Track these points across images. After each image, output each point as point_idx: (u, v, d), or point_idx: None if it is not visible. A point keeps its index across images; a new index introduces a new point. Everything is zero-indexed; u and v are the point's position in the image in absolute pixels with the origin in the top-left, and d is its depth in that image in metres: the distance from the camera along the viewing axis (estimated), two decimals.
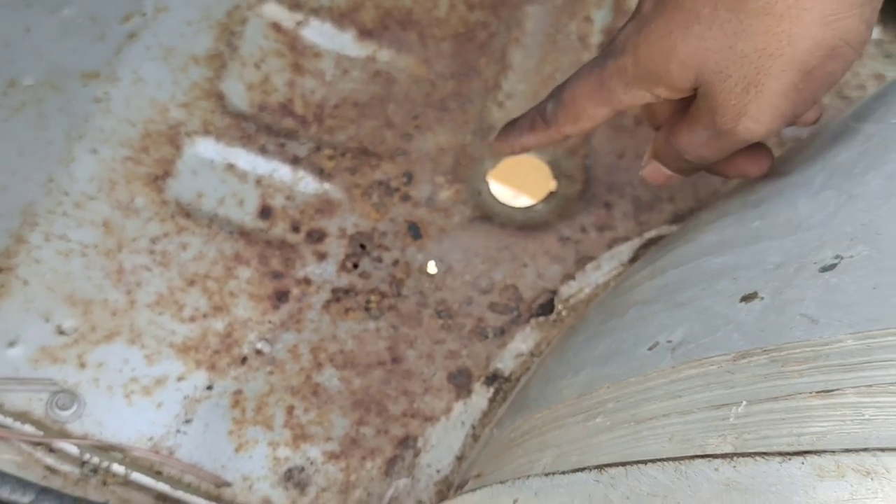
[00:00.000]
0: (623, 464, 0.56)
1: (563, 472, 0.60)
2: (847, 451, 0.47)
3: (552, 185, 1.08)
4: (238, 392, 0.94)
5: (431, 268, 1.03)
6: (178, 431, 0.92)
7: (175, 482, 0.89)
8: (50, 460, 0.88)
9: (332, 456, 0.91)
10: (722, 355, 0.60)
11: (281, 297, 1.00)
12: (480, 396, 0.94)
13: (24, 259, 0.97)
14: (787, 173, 0.77)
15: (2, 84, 1.08)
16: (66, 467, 0.88)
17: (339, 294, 1.00)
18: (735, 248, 0.71)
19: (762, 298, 0.62)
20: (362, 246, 1.04)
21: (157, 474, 0.89)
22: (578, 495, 0.58)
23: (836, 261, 0.60)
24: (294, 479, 0.90)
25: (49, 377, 0.92)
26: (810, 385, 0.52)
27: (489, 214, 1.06)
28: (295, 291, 1.00)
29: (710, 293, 0.68)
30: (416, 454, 0.90)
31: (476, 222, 1.05)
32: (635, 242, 1.02)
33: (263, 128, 1.09)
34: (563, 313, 0.98)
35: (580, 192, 1.07)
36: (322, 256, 1.03)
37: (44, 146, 1.03)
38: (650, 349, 0.67)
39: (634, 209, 1.05)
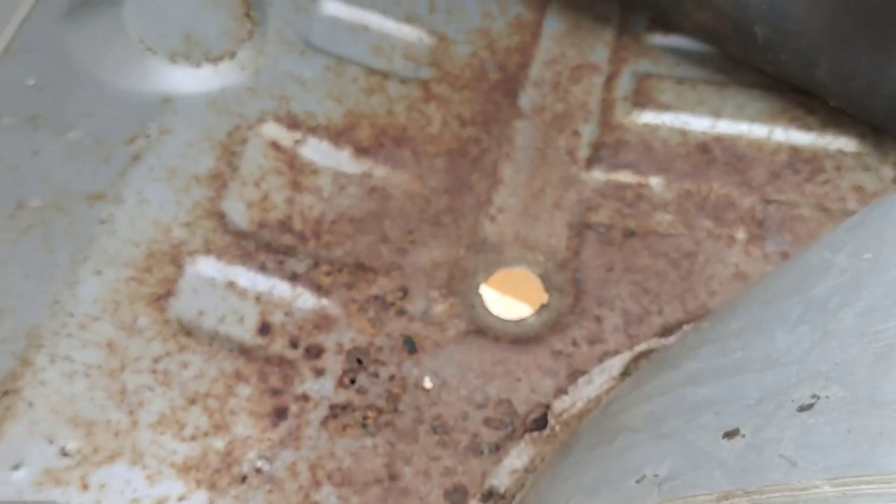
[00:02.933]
0: None
1: None
2: None
3: (544, 297, 1.11)
4: None
5: (427, 383, 1.05)
6: None
7: None
8: None
9: None
10: (706, 494, 0.62)
11: (280, 413, 1.02)
12: None
13: (29, 381, 0.99)
14: (766, 302, 0.80)
15: (9, 206, 1.11)
16: None
17: (336, 410, 1.03)
18: (717, 379, 0.74)
19: (743, 436, 0.65)
20: (359, 361, 1.06)
21: None
22: None
23: (812, 400, 0.63)
24: None
25: (52, 500, 0.93)
26: None
27: (483, 328, 1.09)
28: (293, 408, 1.02)
29: (694, 426, 0.70)
30: None
31: (470, 336, 1.08)
32: (626, 356, 1.04)
33: (263, 245, 1.12)
34: (557, 428, 1.00)
35: (571, 306, 1.10)
36: (320, 372, 1.05)
37: (49, 269, 1.07)
38: (637, 482, 0.70)
39: (624, 322, 1.08)
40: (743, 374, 0.72)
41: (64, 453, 0.97)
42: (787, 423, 0.63)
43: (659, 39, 1.32)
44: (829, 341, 0.68)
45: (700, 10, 1.16)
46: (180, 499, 0.96)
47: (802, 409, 0.63)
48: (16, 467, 0.95)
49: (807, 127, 1.20)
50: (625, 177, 1.20)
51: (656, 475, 0.69)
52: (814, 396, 0.64)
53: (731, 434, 0.67)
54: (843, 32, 1.07)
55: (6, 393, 0.99)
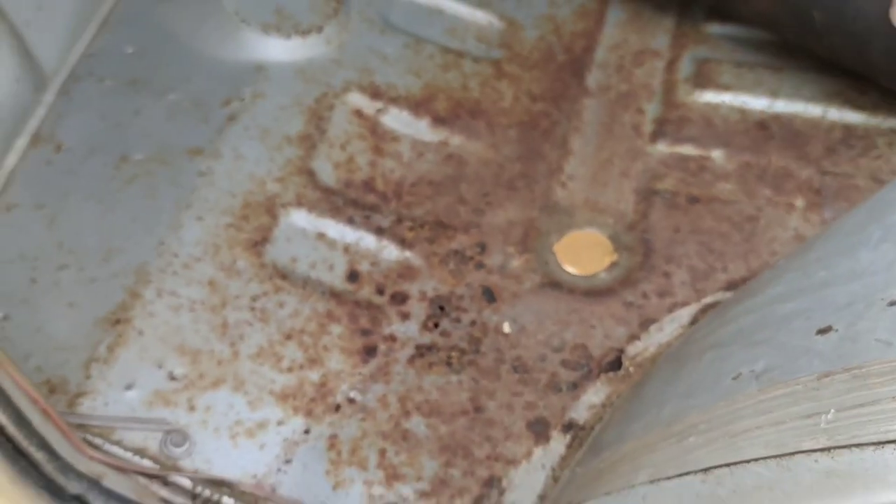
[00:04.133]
0: (727, 465, 0.64)
1: (669, 478, 0.68)
2: None
3: (614, 256, 1.18)
4: (333, 436, 1.02)
5: (506, 328, 1.12)
6: (279, 470, 0.99)
7: None
8: (164, 493, 0.95)
9: (423, 494, 0.98)
10: (806, 376, 0.69)
11: (370, 351, 1.09)
12: (558, 442, 1.02)
13: (139, 312, 1.06)
14: (845, 233, 0.87)
15: (114, 159, 1.19)
16: (179, 499, 0.95)
17: (422, 350, 1.09)
18: (804, 294, 0.81)
19: (837, 331, 0.71)
20: (441, 308, 1.13)
21: None
22: (686, 496, 0.66)
23: None
24: None
25: (163, 418, 1.00)
26: (890, 390, 0.61)
27: (557, 281, 1.16)
28: (382, 347, 1.09)
29: (786, 331, 0.77)
30: (501, 493, 0.98)
31: (546, 288, 1.15)
32: (694, 307, 1.11)
33: (349, 201, 1.20)
34: (631, 370, 1.07)
35: (640, 263, 1.17)
36: (405, 316, 1.12)
37: (154, 214, 1.14)
38: (734, 379, 0.76)
39: (691, 278, 1.14)
40: (829, 287, 0.79)
41: (172, 377, 1.03)
42: (878, 315, 0.70)
43: (717, 28, 1.40)
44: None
45: None
46: (279, 423, 1.02)
47: (893, 304, 0.70)
48: (128, 387, 1.02)
49: (860, 107, 1.28)
50: (687, 150, 1.27)
51: (752, 370, 0.75)
52: None
53: (824, 331, 0.73)
54: None
55: (118, 321, 1.06)
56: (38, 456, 0.83)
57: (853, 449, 0.58)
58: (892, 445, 0.56)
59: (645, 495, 0.69)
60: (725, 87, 1.32)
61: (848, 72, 1.29)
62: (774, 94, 1.31)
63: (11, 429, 0.79)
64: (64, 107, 1.24)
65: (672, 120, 1.30)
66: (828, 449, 0.59)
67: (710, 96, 1.32)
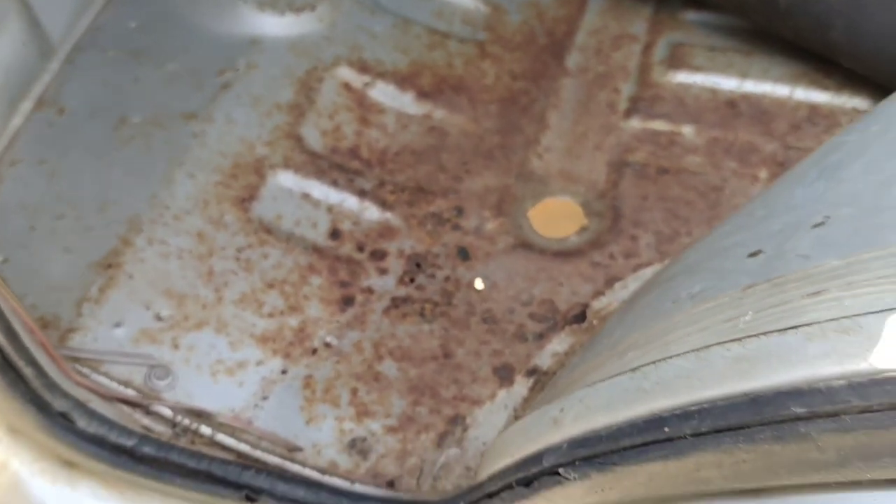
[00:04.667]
0: (653, 362, 0.70)
1: (602, 380, 0.73)
2: (829, 320, 0.61)
3: (584, 221, 1.24)
4: (309, 376, 1.08)
5: (478, 284, 1.17)
6: (255, 406, 1.05)
7: (254, 446, 1.01)
8: (146, 421, 1.01)
9: (391, 429, 1.04)
10: (733, 290, 0.74)
11: (347, 301, 1.14)
12: (521, 386, 1.07)
13: (130, 258, 1.13)
14: (786, 180, 0.92)
15: (113, 121, 1.26)
16: (160, 427, 1.01)
17: (397, 302, 1.15)
18: (744, 229, 0.86)
19: (765, 252, 0.77)
20: (418, 265, 1.19)
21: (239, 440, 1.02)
22: (616, 391, 0.71)
23: (824, 220, 0.75)
24: (357, 447, 1.02)
25: (149, 354, 1.06)
26: (802, 291, 0.67)
27: (529, 243, 1.22)
28: (359, 298, 1.15)
29: (722, 258, 0.83)
30: (465, 429, 1.03)
31: (518, 249, 1.21)
32: (657, 267, 1.16)
33: (335, 166, 1.26)
34: (594, 322, 1.12)
35: (609, 227, 1.22)
36: (383, 271, 1.18)
37: (148, 170, 1.21)
38: (674, 302, 0.82)
39: (657, 241, 1.20)
40: (766, 220, 0.85)
41: (158, 318, 1.09)
42: (803, 236, 0.76)
43: (692, 15, 1.47)
44: (839, 185, 0.81)
45: None
46: (258, 363, 1.08)
47: (816, 226, 0.76)
48: (117, 325, 1.08)
49: (825, 87, 1.34)
50: (659, 125, 1.33)
51: (689, 293, 0.81)
52: (826, 217, 0.76)
53: (754, 254, 0.79)
54: None
55: (110, 266, 1.12)
56: (27, 371, 0.89)
57: (761, 337, 0.63)
58: (793, 330, 0.62)
59: (582, 397, 0.74)
60: (698, 69, 1.38)
61: (814, 55, 1.35)
62: (744, 75, 1.37)
63: (2, 339, 0.85)
64: (68, 74, 1.31)
65: (646, 98, 1.36)
66: (739, 339, 0.65)
67: (682, 77, 1.38)
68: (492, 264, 1.19)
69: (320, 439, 1.03)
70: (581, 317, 1.13)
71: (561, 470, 0.70)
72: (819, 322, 0.62)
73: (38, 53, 1.30)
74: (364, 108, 1.34)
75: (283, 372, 1.08)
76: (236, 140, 1.26)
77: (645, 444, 0.65)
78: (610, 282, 1.16)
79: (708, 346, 0.67)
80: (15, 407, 0.89)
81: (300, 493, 0.92)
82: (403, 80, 1.37)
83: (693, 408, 0.64)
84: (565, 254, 1.20)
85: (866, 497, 0.57)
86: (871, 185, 0.78)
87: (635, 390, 0.70)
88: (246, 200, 1.21)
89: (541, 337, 1.12)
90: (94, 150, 1.23)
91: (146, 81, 1.31)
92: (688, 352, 0.68)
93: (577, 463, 0.69)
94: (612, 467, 0.66)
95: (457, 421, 1.05)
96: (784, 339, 0.62)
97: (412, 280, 1.17)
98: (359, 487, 0.97)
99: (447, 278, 1.18)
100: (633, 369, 0.72)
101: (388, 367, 1.09)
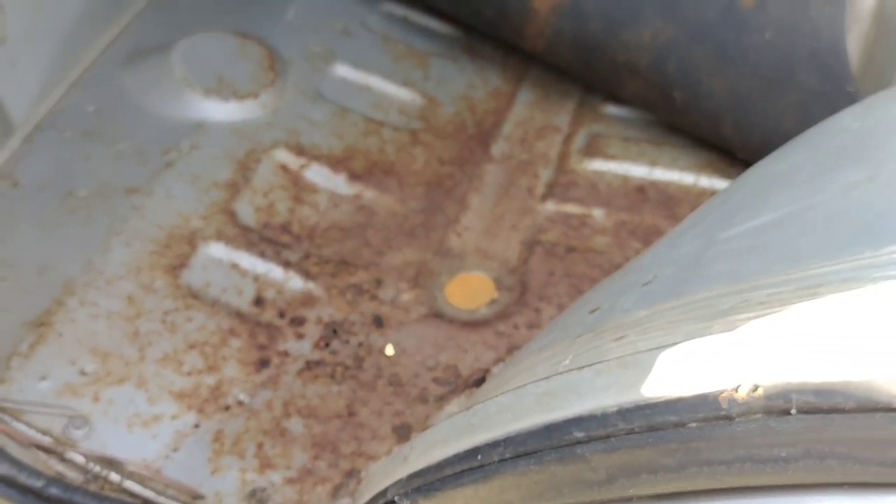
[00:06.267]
0: (483, 401, 0.77)
1: (444, 420, 0.81)
2: (616, 358, 0.69)
3: (495, 294, 1.32)
4: (220, 431, 1.15)
5: (389, 350, 1.25)
6: (166, 457, 1.12)
7: (159, 492, 1.08)
8: (60, 468, 1.08)
9: (290, 480, 1.10)
10: (567, 340, 0.82)
11: (263, 363, 1.22)
12: None
13: (61, 318, 1.21)
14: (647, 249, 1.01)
15: (61, 194, 1.36)
16: (73, 474, 1.08)
17: (311, 364, 1.23)
18: (597, 290, 0.95)
19: (601, 309, 0.85)
20: (334, 331, 1.27)
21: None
22: (452, 428, 0.78)
23: (653, 279, 0.84)
24: (257, 496, 1.09)
25: (69, 406, 1.13)
26: (611, 337, 0.75)
27: (441, 313, 1.30)
28: (275, 360, 1.23)
29: (572, 315, 0.91)
30: (359, 482, 1.09)
31: (430, 318, 1.29)
32: None
33: (265, 239, 1.35)
34: None
35: (516, 300, 1.31)
36: (300, 336, 1.26)
37: (88, 238, 1.30)
38: (525, 356, 0.89)
39: (558, 313, 1.28)
40: (615, 282, 0.94)
41: (82, 373, 1.17)
42: (633, 293, 0.84)
43: (612, 109, 1.58)
44: (673, 250, 0.90)
45: (632, 79, 1.42)
46: (173, 417, 1.15)
47: (645, 284, 0.84)
48: (42, 378, 1.16)
49: (728, 175, 1.44)
50: (572, 208, 1.42)
51: (539, 346, 0.89)
52: (654, 276, 0.85)
53: (594, 310, 0.87)
54: (742, 95, 1.32)
55: (42, 325, 1.20)
56: None
57: (563, 374, 0.71)
58: (588, 368, 0.69)
59: (427, 435, 0.81)
60: (612, 157, 1.49)
61: (718, 147, 1.45)
62: (654, 163, 1.47)
63: None
64: (25, 151, 1.42)
65: (562, 183, 1.46)
66: (548, 377, 0.72)
67: (597, 164, 1.48)
68: (404, 332, 1.27)
69: (223, 488, 1.10)
70: (481, 381, 1.20)
71: (396, 498, 0.76)
72: (608, 360, 0.70)
73: (0, 132, 1.41)
74: (298, 188, 1.44)
75: (196, 426, 1.15)
76: (173, 213, 1.35)
77: (462, 472, 0.72)
78: (511, 349, 1.24)
79: (524, 385, 0.75)
80: None
81: None
82: (337, 163, 1.47)
83: (502, 438, 0.71)
84: (473, 324, 1.28)
85: None
86: (696, 249, 0.86)
87: (466, 426, 0.77)
88: (177, 268, 1.30)
89: (441, 399, 1.19)
90: (39, 220, 1.32)
91: (96, 159, 1.41)
92: (510, 390, 0.76)
93: (409, 492, 0.76)
94: (435, 493, 0.73)
95: (352, 474, 1.11)
96: (581, 375, 0.70)
97: (327, 345, 1.25)
98: None
99: (360, 344, 1.26)
100: (468, 408, 0.79)
101: (295, 424, 1.16)
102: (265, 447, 1.14)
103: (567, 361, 0.78)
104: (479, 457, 0.71)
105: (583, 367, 0.72)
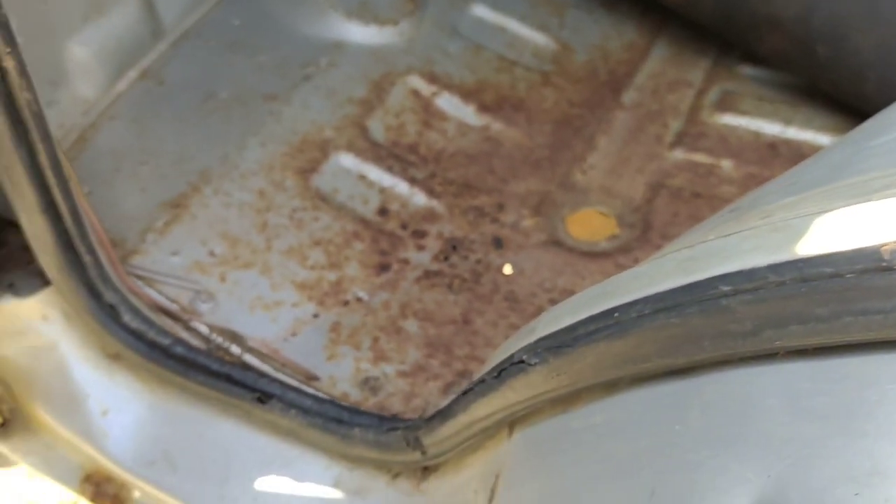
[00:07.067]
0: (619, 275, 0.77)
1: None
2: (765, 224, 0.68)
3: (616, 230, 1.32)
4: (337, 323, 1.17)
5: (507, 269, 1.26)
6: (284, 340, 1.14)
7: (276, 370, 1.11)
8: (184, 335, 1.11)
9: (403, 374, 1.12)
10: (702, 231, 0.81)
11: (384, 268, 1.24)
12: None
13: (196, 202, 1.25)
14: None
15: (203, 95, 1.41)
16: (195, 342, 1.11)
17: (429, 274, 1.24)
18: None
19: (741, 208, 0.84)
20: (454, 247, 1.28)
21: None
22: (583, 299, 0.79)
23: (797, 180, 0.82)
24: (369, 384, 1.10)
25: (197, 281, 1.17)
26: (757, 216, 0.74)
27: (561, 242, 1.30)
28: (395, 266, 1.25)
29: (708, 225, 0.90)
30: None
31: (549, 245, 1.29)
32: None
33: (393, 156, 1.38)
34: None
35: (638, 237, 1.30)
36: (421, 248, 1.27)
37: (226, 136, 1.34)
38: (663, 256, 0.89)
39: None
40: (753, 193, 0.92)
41: (212, 254, 1.21)
42: (776, 191, 0.83)
43: (748, 70, 1.56)
44: (816, 161, 0.88)
45: (773, 33, 1.40)
46: (293, 305, 1.18)
47: (791, 184, 0.83)
48: (174, 254, 1.20)
49: None
50: (701, 157, 1.41)
51: (667, 251, 0.88)
52: (800, 178, 0.83)
53: (733, 210, 0.86)
54: (891, 52, 1.28)
55: (177, 206, 1.25)
56: (87, 259, 1.01)
57: (706, 242, 0.71)
58: (736, 234, 0.69)
59: (556, 309, 0.82)
60: (744, 113, 1.47)
61: (855, 112, 1.41)
62: (788, 122, 1.44)
63: (69, 223, 0.97)
64: (172, 54, 1.47)
65: (691, 134, 1.45)
66: (692, 245, 0.72)
67: (729, 119, 1.46)
68: (522, 254, 1.28)
69: (337, 373, 1.12)
70: None
71: (525, 357, 0.77)
72: (756, 227, 0.69)
73: (150, 33, 1.47)
74: (428, 114, 1.46)
75: (315, 316, 1.18)
76: (308, 122, 1.39)
77: (596, 330, 0.72)
78: None
79: (665, 254, 0.75)
80: (70, 288, 1.01)
81: (307, 402, 1.00)
82: (468, 94, 1.49)
83: (641, 297, 0.71)
84: (593, 254, 1.28)
85: (776, 369, 0.63)
86: (844, 155, 0.85)
87: (599, 295, 0.77)
88: (307, 172, 1.33)
89: None
90: (181, 116, 1.37)
91: (238, 67, 1.46)
92: (650, 260, 0.76)
93: (538, 351, 0.76)
94: (566, 349, 0.74)
95: (465, 375, 1.12)
96: (726, 241, 0.70)
97: (446, 258, 1.27)
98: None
99: (479, 261, 1.27)
100: (602, 283, 0.79)
101: (410, 325, 1.18)
102: (380, 341, 1.15)
103: (711, 237, 0.78)
104: (616, 314, 0.71)
105: (729, 234, 0.71)
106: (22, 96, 0.84)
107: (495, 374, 0.80)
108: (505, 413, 0.81)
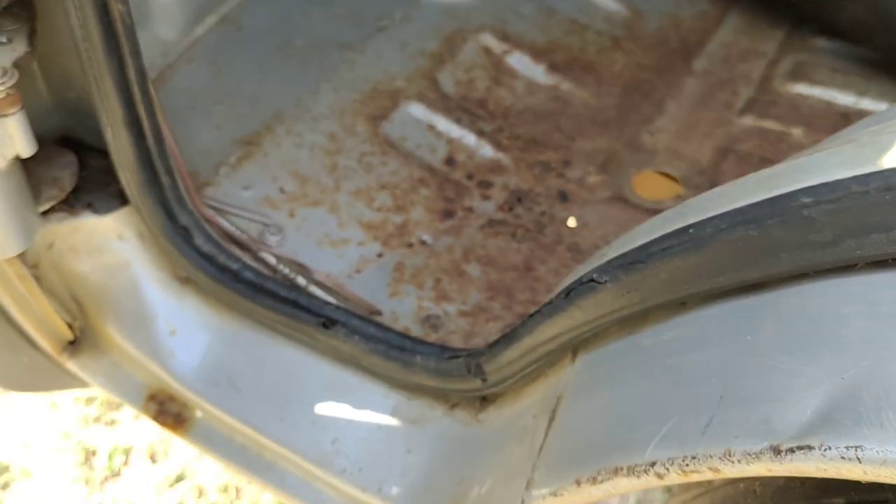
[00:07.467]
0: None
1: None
2: (850, 142, 0.68)
3: (681, 191, 1.32)
4: (401, 263, 1.19)
5: (571, 222, 1.26)
6: (349, 276, 1.16)
7: (340, 302, 1.12)
8: (253, 264, 1.13)
9: (464, 313, 1.13)
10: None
11: (449, 214, 1.25)
12: None
13: (268, 140, 1.28)
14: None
15: (279, 41, 1.43)
16: (263, 270, 1.13)
17: (493, 223, 1.25)
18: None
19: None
20: (519, 199, 1.29)
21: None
22: (658, 221, 0.79)
23: (876, 126, 0.82)
24: (430, 321, 1.12)
25: (267, 215, 1.19)
26: (836, 143, 0.74)
27: (626, 199, 1.30)
28: (460, 213, 1.26)
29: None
30: None
31: (614, 202, 1.29)
32: None
33: (462, 108, 1.39)
34: None
35: None
36: (486, 198, 1.28)
37: (300, 80, 1.37)
38: None
39: None
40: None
41: (282, 191, 1.23)
42: (852, 133, 0.82)
43: (822, 42, 1.54)
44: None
45: (852, 2, 1.38)
46: (359, 243, 1.20)
47: (867, 128, 0.82)
48: (245, 188, 1.22)
49: None
50: (771, 125, 1.40)
51: None
52: (877, 125, 0.83)
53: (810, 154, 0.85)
54: None
55: (250, 143, 1.27)
56: (164, 179, 1.03)
57: (787, 161, 0.71)
58: (818, 153, 0.69)
59: (628, 233, 0.82)
60: (817, 83, 1.45)
61: None
62: (862, 93, 1.43)
63: (150, 141, 1.00)
64: (250, 3, 1.50)
65: (762, 101, 1.44)
66: (771, 167, 0.72)
67: (801, 88, 1.45)
68: (587, 209, 1.28)
69: (399, 310, 1.13)
70: None
71: (595, 276, 0.77)
72: (840, 146, 0.69)
73: None
74: (498, 71, 1.47)
75: (380, 255, 1.19)
76: (380, 71, 1.41)
77: (670, 246, 0.72)
78: None
79: (741, 179, 0.75)
80: (147, 206, 1.03)
81: (371, 329, 1.02)
82: (538, 54, 1.50)
83: (718, 214, 0.71)
84: (658, 212, 1.28)
85: (854, 280, 0.63)
86: None
87: (674, 217, 0.78)
88: (378, 119, 1.35)
89: None
90: (257, 60, 1.40)
91: (314, 17, 1.48)
92: (725, 184, 0.76)
93: (609, 269, 0.77)
94: (638, 266, 0.74)
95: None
96: (809, 158, 0.70)
97: (511, 209, 1.28)
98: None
99: (543, 213, 1.27)
100: (676, 206, 0.79)
101: (473, 269, 1.19)
102: (443, 282, 1.17)
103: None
104: (692, 230, 0.71)
105: (811, 153, 0.71)
106: (116, 7, 0.87)
107: (564, 294, 0.81)
108: (571, 335, 0.82)
